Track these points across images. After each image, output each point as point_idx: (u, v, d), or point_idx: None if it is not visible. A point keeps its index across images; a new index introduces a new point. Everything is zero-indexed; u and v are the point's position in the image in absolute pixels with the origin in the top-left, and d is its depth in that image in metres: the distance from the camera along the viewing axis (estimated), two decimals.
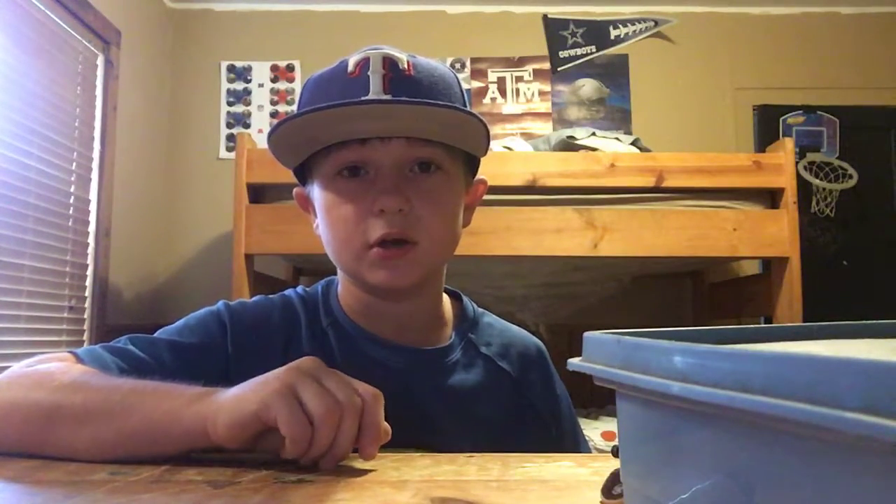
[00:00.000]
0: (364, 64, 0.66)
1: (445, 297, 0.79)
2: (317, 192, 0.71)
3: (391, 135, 0.65)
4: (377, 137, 0.65)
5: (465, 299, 0.81)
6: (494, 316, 0.83)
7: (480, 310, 0.82)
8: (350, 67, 0.66)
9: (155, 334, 0.70)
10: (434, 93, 0.66)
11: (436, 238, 0.68)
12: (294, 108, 3.27)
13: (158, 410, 0.52)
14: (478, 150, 0.72)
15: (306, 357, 0.53)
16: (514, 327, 0.83)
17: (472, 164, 0.75)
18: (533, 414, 0.77)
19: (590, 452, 0.81)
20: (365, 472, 0.50)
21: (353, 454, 0.51)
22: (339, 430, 0.48)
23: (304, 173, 0.74)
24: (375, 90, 0.64)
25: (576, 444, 0.81)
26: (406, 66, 0.66)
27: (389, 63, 0.66)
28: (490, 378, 0.75)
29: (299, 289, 0.78)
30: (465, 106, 0.69)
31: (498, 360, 0.77)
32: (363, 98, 0.64)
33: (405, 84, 0.65)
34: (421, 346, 0.73)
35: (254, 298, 0.77)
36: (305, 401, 0.48)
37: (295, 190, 0.78)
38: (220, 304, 0.74)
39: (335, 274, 0.78)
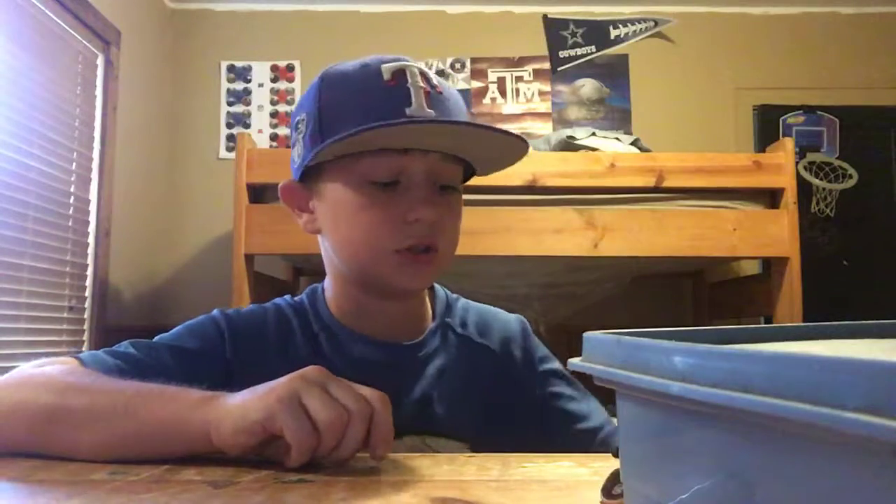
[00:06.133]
0: (401, 75, 0.67)
1: None
2: (337, 192, 0.70)
3: (432, 148, 0.68)
4: (418, 149, 0.67)
5: (436, 285, 0.83)
6: (469, 300, 0.85)
7: (454, 295, 0.84)
8: (386, 76, 0.67)
9: (154, 340, 0.71)
10: (458, 109, 0.70)
11: (451, 247, 0.72)
12: (293, 108, 3.27)
13: (163, 414, 0.53)
14: (500, 168, 0.74)
15: (311, 367, 0.53)
16: (491, 307, 0.85)
17: (465, 176, 0.77)
18: (520, 385, 0.79)
19: (605, 416, 0.79)
20: (365, 472, 0.50)
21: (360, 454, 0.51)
22: (346, 435, 0.49)
23: (313, 170, 0.72)
24: (418, 103, 0.65)
25: (585, 402, 0.80)
26: (436, 82, 0.69)
27: (424, 77, 0.68)
28: (471, 356, 0.77)
29: (287, 298, 0.79)
30: None
31: (476, 338, 0.79)
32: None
33: (440, 100, 0.67)
34: (405, 338, 0.75)
35: (248, 307, 0.79)
36: (311, 408, 0.48)
37: (283, 183, 0.75)
38: (216, 311, 0.75)
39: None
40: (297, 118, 0.72)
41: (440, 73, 3.08)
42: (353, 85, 0.68)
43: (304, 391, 0.49)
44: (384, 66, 0.67)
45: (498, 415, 0.76)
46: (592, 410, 0.79)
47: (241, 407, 0.50)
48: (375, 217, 0.68)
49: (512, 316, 0.85)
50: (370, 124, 0.61)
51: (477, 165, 0.74)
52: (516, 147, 0.68)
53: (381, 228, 0.67)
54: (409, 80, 0.66)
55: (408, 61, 0.68)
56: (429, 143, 0.67)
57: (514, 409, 0.77)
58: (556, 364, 0.82)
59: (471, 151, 0.70)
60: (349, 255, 0.72)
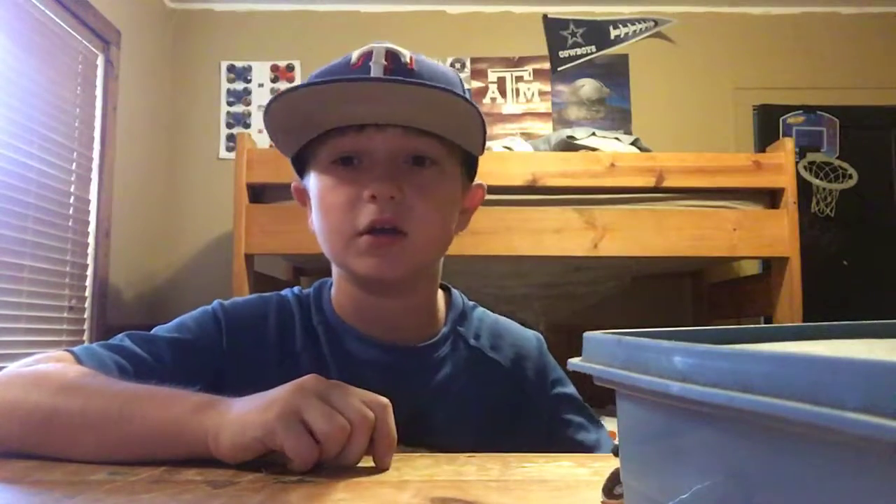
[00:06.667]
0: (367, 56, 0.66)
1: (439, 291, 0.78)
2: (312, 182, 0.70)
3: (387, 122, 0.65)
4: (374, 125, 0.65)
5: (455, 292, 0.80)
6: (487, 311, 0.82)
7: (472, 303, 0.81)
8: (353, 59, 0.66)
9: (151, 332, 0.70)
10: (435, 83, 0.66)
11: (426, 231, 0.67)
12: None
13: (159, 420, 0.52)
14: (474, 143, 0.71)
15: (310, 376, 0.52)
16: (508, 321, 0.82)
17: (471, 166, 0.75)
18: (528, 405, 0.76)
19: (611, 444, 0.78)
20: (365, 472, 0.50)
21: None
22: (350, 445, 0.48)
23: (301, 166, 0.73)
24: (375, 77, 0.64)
25: (594, 431, 0.77)
26: (408, 60, 0.66)
27: (392, 56, 0.66)
28: (480, 370, 0.74)
29: (296, 289, 0.78)
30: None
31: (488, 351, 0.76)
32: (356, 76, 0.64)
33: (404, 75, 0.65)
34: (412, 342, 0.72)
35: (249, 297, 0.77)
36: (312, 422, 0.47)
37: (293, 184, 0.77)
38: (215, 303, 0.74)
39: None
40: None
41: None
42: (323, 72, 0.68)
43: (304, 405, 0.48)
44: (355, 52, 0.67)
45: (503, 434, 0.72)
46: (601, 441, 0.77)
47: (240, 421, 0.49)
48: (336, 198, 0.66)
49: (530, 333, 0.81)
50: (292, 87, 0.61)
51: (451, 137, 0.69)
52: (465, 109, 0.63)
53: (341, 209, 0.66)
54: (373, 60, 0.65)
55: (381, 44, 0.67)
56: (380, 114, 0.64)
57: (519, 430, 0.74)
58: (568, 388, 0.79)
59: (430, 122, 0.66)
60: (324, 244, 0.70)
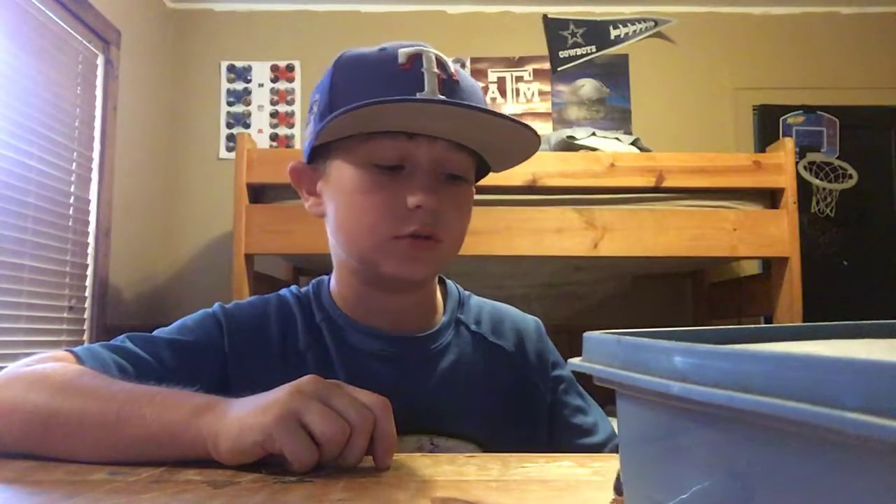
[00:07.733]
0: (416, 59, 0.66)
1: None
2: (340, 172, 0.69)
3: (439, 135, 0.66)
4: (425, 135, 0.66)
5: (450, 282, 0.82)
6: (484, 298, 0.84)
7: (467, 292, 0.83)
8: (401, 59, 0.66)
9: (152, 334, 0.70)
10: (473, 98, 0.68)
11: (454, 240, 0.70)
12: (294, 108, 3.24)
13: (157, 423, 0.52)
14: (505, 163, 0.73)
15: (308, 377, 0.51)
16: (506, 306, 0.84)
17: (480, 172, 0.76)
18: (532, 388, 0.77)
19: (610, 429, 0.79)
20: (365, 472, 0.50)
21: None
22: (350, 446, 0.48)
23: (319, 147, 0.71)
24: (430, 88, 0.64)
25: (591, 413, 0.79)
26: (452, 70, 0.68)
27: (440, 64, 0.67)
28: (484, 355, 0.76)
29: (293, 288, 0.78)
30: None
31: (490, 336, 0.77)
32: (434, 98, 0.64)
33: (454, 88, 0.66)
34: (413, 333, 0.74)
35: (249, 299, 0.78)
36: (311, 425, 0.47)
37: (292, 164, 0.75)
38: (216, 305, 0.74)
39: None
40: (312, 100, 0.72)
41: None
42: (368, 66, 0.67)
43: (303, 407, 0.48)
44: (401, 51, 0.66)
45: (509, 417, 0.74)
46: (598, 423, 0.78)
47: (238, 425, 0.49)
48: (376, 201, 0.66)
49: (529, 317, 0.83)
50: (373, 99, 0.60)
51: (488, 157, 0.72)
52: (526, 138, 0.65)
53: (380, 213, 0.66)
54: (424, 65, 0.65)
55: (425, 47, 0.67)
56: (434, 127, 0.65)
57: (526, 412, 0.76)
58: (566, 371, 0.81)
59: (480, 141, 0.68)
60: (347, 239, 0.70)
